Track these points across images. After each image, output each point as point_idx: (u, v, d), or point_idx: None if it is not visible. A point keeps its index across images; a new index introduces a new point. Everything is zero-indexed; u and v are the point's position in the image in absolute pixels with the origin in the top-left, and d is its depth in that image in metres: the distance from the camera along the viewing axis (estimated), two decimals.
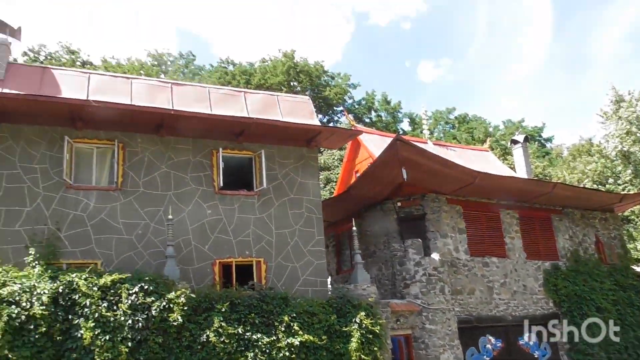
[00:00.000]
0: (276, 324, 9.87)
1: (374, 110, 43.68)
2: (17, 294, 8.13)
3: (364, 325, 10.58)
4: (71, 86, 10.92)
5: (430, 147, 18.35)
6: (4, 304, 7.91)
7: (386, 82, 65.72)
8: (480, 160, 19.99)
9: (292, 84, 38.49)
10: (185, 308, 9.12)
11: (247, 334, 9.49)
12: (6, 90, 9.92)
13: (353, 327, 10.48)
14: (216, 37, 60.31)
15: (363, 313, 10.80)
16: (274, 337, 9.66)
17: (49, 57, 36.49)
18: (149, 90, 11.87)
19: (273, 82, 37.28)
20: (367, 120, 42.44)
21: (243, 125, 11.80)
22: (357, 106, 42.74)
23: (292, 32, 60.79)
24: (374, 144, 18.26)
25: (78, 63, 36.45)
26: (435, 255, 13.80)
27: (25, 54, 35.43)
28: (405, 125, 43.58)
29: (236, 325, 9.47)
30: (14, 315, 7.83)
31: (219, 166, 11.65)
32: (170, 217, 10.49)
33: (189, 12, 59.54)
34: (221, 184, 11.61)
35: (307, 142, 12.87)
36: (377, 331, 10.75)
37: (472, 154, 21.28)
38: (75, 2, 54.53)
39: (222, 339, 9.17)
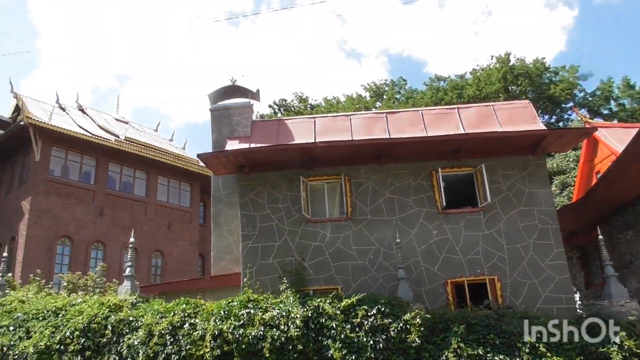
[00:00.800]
0: (519, 345, 9.27)
1: (612, 99, 38.27)
2: (276, 318, 9.35)
3: (625, 346, 9.20)
4: (301, 132, 12.39)
5: None
6: (267, 327, 9.19)
7: (627, 65, 57.14)
8: None
9: (510, 88, 36.40)
10: (422, 329, 9.25)
11: (488, 355, 9.12)
12: (253, 145, 11.76)
13: (612, 349, 9.20)
14: (425, 56, 60.92)
15: (624, 333, 9.41)
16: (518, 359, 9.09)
17: (286, 108, 41.89)
18: (366, 123, 12.71)
19: (488, 91, 35.84)
20: (606, 112, 37.38)
21: (459, 142, 11.66)
22: (590, 98, 38.07)
23: (504, 34, 57.75)
24: (616, 138, 16.01)
25: (308, 108, 40.88)
26: None
27: (271, 106, 41.44)
28: None
29: (475, 346, 9.20)
30: (275, 337, 9.02)
31: (440, 186, 11.68)
32: (397, 240, 10.90)
33: (395, 37, 61.64)
34: (444, 204, 11.60)
35: (532, 149, 12.01)
36: None
37: None
38: (299, 58, 61.44)
39: None
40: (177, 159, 32.86)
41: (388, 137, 11.93)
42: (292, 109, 40.82)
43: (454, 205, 11.83)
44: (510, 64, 37.24)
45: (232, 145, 12.19)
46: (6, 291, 13.94)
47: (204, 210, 36.14)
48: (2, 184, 29.98)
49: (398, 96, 43.81)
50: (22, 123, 26.25)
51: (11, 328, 11.00)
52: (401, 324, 9.24)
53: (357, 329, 9.24)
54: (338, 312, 9.34)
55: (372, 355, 8.89)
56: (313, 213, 11.91)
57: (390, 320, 9.28)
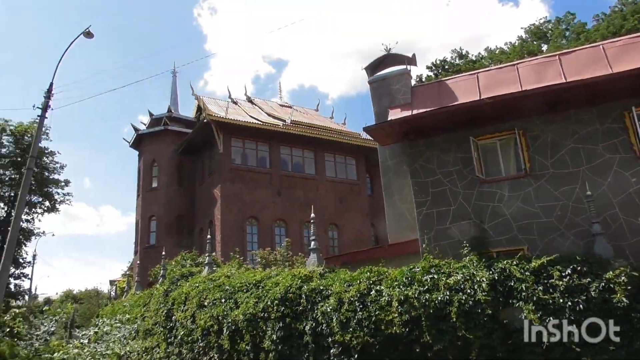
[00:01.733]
0: None
1: None
2: (460, 282, 9.21)
3: None
4: (464, 90, 11.88)
5: None
6: (453, 292, 9.11)
7: None
8: None
9: None
10: (629, 288, 8.34)
11: None
12: (415, 112, 11.61)
13: None
14: None
15: None
16: None
17: (445, 68, 40.47)
18: (535, 69, 11.69)
19: None
20: None
21: None
22: None
23: None
24: None
25: (470, 63, 38.98)
26: None
27: (429, 67, 40.44)
28: None
29: None
30: (462, 301, 8.91)
31: (636, 127, 10.26)
32: (588, 193, 9.89)
33: None
34: None
35: None
36: None
37: None
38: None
39: None
40: (340, 135, 34.05)
41: (564, 81, 10.81)
42: (452, 67, 39.24)
43: None
44: None
45: (394, 114, 12.19)
46: (213, 268, 15.98)
47: (370, 182, 37.00)
48: (196, 176, 34.26)
49: (567, 33, 39.34)
50: (205, 120, 29.53)
51: (222, 300, 12.59)
52: (602, 284, 8.43)
53: (550, 291, 8.69)
54: (527, 273, 8.87)
55: (573, 317, 8.30)
56: (487, 173, 11.40)
57: (589, 279, 8.52)
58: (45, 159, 33.84)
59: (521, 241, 10.57)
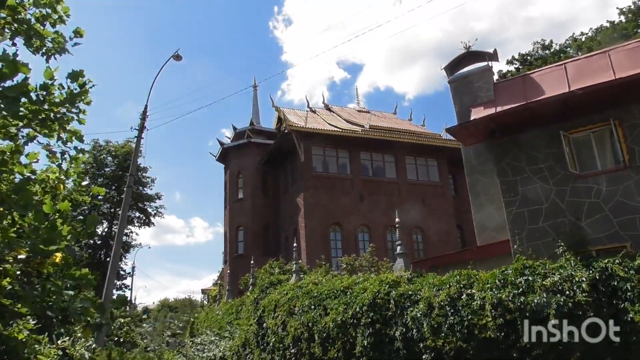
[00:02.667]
0: None
1: None
2: (558, 283, 8.85)
3: None
4: (551, 82, 11.43)
5: None
6: (550, 293, 8.78)
7: None
8: None
9: None
10: None
11: None
12: (500, 109, 11.34)
13: None
14: None
15: None
16: None
17: (528, 62, 38.83)
18: (630, 55, 11.03)
19: None
20: None
21: None
22: None
23: None
24: None
25: (556, 53, 37.19)
26: None
27: (510, 62, 39.02)
28: None
29: None
30: (561, 303, 8.56)
31: None
32: None
33: None
34: None
35: None
36: None
37: None
38: None
39: None
40: (420, 137, 33.72)
41: None
42: (536, 60, 37.50)
43: None
44: None
45: (477, 112, 11.96)
46: (300, 275, 16.41)
47: (453, 183, 36.26)
48: (280, 186, 35.28)
49: None
50: (285, 131, 30.42)
51: (312, 307, 12.92)
52: None
53: None
54: (632, 271, 8.37)
55: None
56: (581, 167, 10.88)
57: None
58: (138, 173, 36.40)
59: (623, 238, 9.98)
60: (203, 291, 57.75)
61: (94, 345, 8.79)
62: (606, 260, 8.76)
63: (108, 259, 25.68)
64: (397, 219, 12.80)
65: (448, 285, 10.00)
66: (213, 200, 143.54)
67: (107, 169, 36.31)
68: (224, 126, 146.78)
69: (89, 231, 3.73)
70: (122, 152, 35.81)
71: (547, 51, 38.34)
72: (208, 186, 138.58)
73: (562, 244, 10.00)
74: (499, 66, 40.69)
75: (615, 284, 8.47)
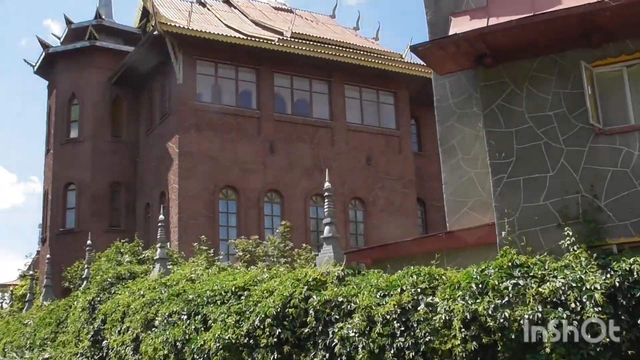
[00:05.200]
0: None
1: None
2: (560, 291, 9.20)
3: None
4: None
5: None
6: (548, 306, 9.15)
7: None
8: None
9: None
10: None
11: None
12: (494, 20, 11.51)
13: None
14: None
15: None
16: None
17: None
18: None
19: None
20: None
21: None
22: None
23: None
24: None
25: None
26: None
27: None
28: None
29: None
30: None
31: None
32: None
33: None
34: None
35: None
36: None
37: None
38: None
39: None
40: (370, 57, 33.82)
41: None
42: None
43: None
44: None
45: (460, 24, 12.09)
46: (168, 267, 16.17)
47: (417, 132, 36.94)
48: (141, 121, 34.30)
49: None
50: (155, 33, 29.40)
51: (184, 317, 12.84)
52: None
53: None
54: None
55: None
56: (606, 119, 11.35)
57: None
58: None
59: None
60: (1, 287, 56.31)
61: None
62: (631, 260, 9.20)
63: None
64: (326, 184, 12.80)
65: (399, 290, 10.17)
66: (27, 138, 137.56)
67: None
68: (50, 15, 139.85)
69: None
70: None
71: None
72: (18, 115, 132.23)
73: (571, 232, 10.45)
74: None
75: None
